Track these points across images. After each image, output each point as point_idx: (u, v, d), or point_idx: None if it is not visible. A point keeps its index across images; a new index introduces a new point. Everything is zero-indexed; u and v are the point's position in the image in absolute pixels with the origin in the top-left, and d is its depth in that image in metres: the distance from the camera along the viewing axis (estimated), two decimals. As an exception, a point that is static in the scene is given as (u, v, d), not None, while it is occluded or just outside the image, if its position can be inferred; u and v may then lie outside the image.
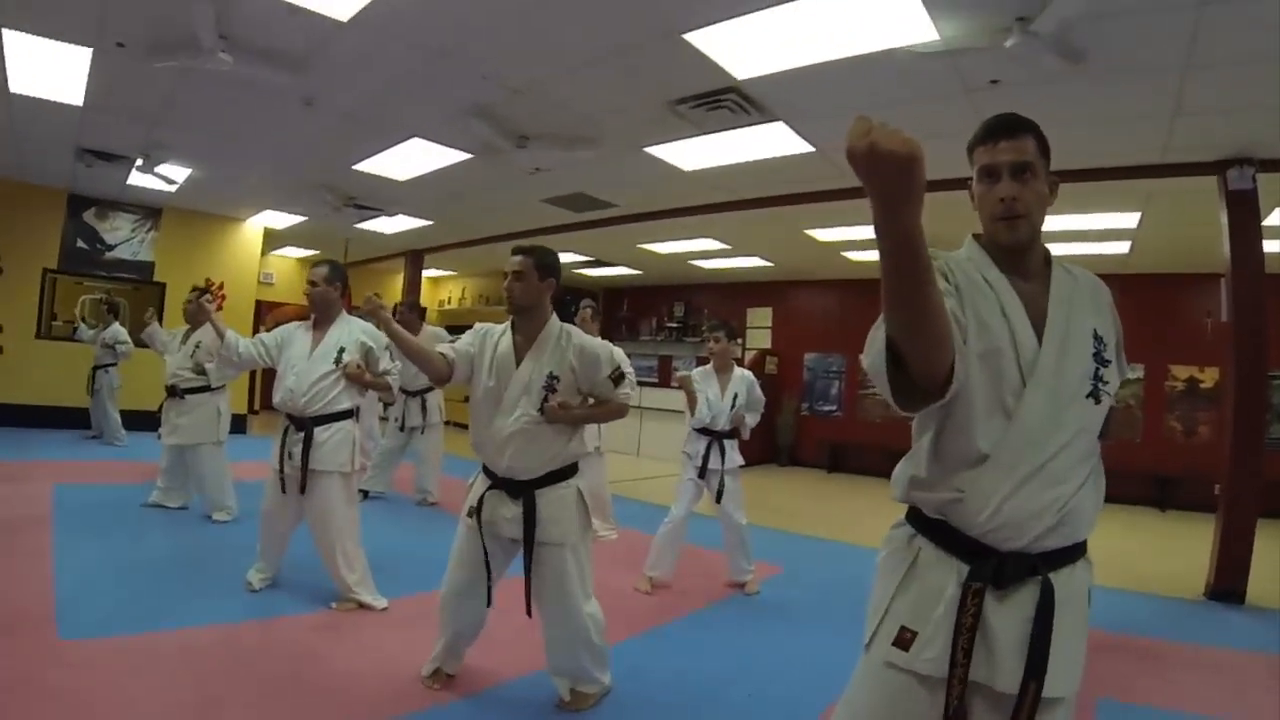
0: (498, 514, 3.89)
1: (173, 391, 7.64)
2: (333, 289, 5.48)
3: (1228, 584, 7.13)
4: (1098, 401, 2.03)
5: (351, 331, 5.45)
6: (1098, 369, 2.04)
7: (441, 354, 4.02)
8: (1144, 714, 4.53)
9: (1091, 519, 2.08)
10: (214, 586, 5.44)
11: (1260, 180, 7.29)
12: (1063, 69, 5.54)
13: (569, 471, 3.98)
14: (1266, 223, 7.91)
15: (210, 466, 7.55)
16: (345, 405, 5.36)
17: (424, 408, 9.17)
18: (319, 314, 5.51)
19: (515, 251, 4.09)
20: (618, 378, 4.05)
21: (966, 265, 2.12)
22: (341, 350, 5.34)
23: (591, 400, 4.09)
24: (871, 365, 1.81)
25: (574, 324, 4.91)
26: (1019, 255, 2.12)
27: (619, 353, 7.84)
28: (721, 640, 5.34)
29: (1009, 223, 2.07)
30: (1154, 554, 9.22)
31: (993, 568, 1.95)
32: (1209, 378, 12.91)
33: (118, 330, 11.45)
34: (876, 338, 1.78)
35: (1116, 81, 5.97)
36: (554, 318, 4.09)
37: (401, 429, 9.20)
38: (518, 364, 3.95)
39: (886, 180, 1.41)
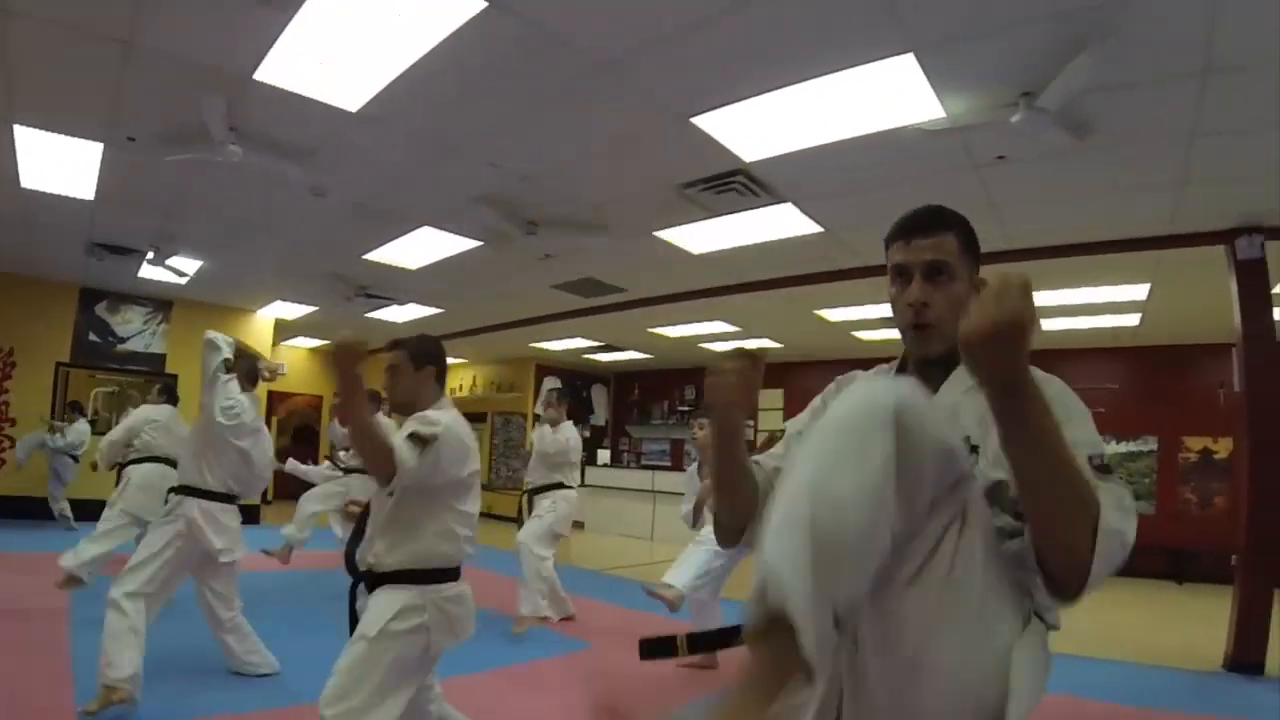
0: None
1: None
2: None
3: (1246, 655, 6.97)
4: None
5: None
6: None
7: None
8: None
9: None
10: (225, 675, 5.33)
11: (1270, 248, 7.28)
12: (1069, 142, 5.58)
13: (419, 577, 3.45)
14: (1277, 290, 7.90)
15: None
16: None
17: None
18: None
19: (389, 346, 3.81)
20: (413, 436, 3.36)
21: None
22: None
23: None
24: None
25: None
26: (930, 368, 1.91)
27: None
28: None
29: (917, 333, 1.89)
30: (1171, 627, 9.13)
31: None
32: (1223, 448, 12.74)
33: (81, 430, 11.54)
34: None
35: (1123, 153, 6.00)
36: (437, 405, 3.69)
37: None
38: None
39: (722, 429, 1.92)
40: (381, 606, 3.31)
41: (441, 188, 7.35)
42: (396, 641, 3.26)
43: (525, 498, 7.86)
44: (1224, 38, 4.43)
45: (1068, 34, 4.46)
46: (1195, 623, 9.11)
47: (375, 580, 3.42)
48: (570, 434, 7.88)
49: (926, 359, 1.90)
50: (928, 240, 1.87)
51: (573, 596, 8.16)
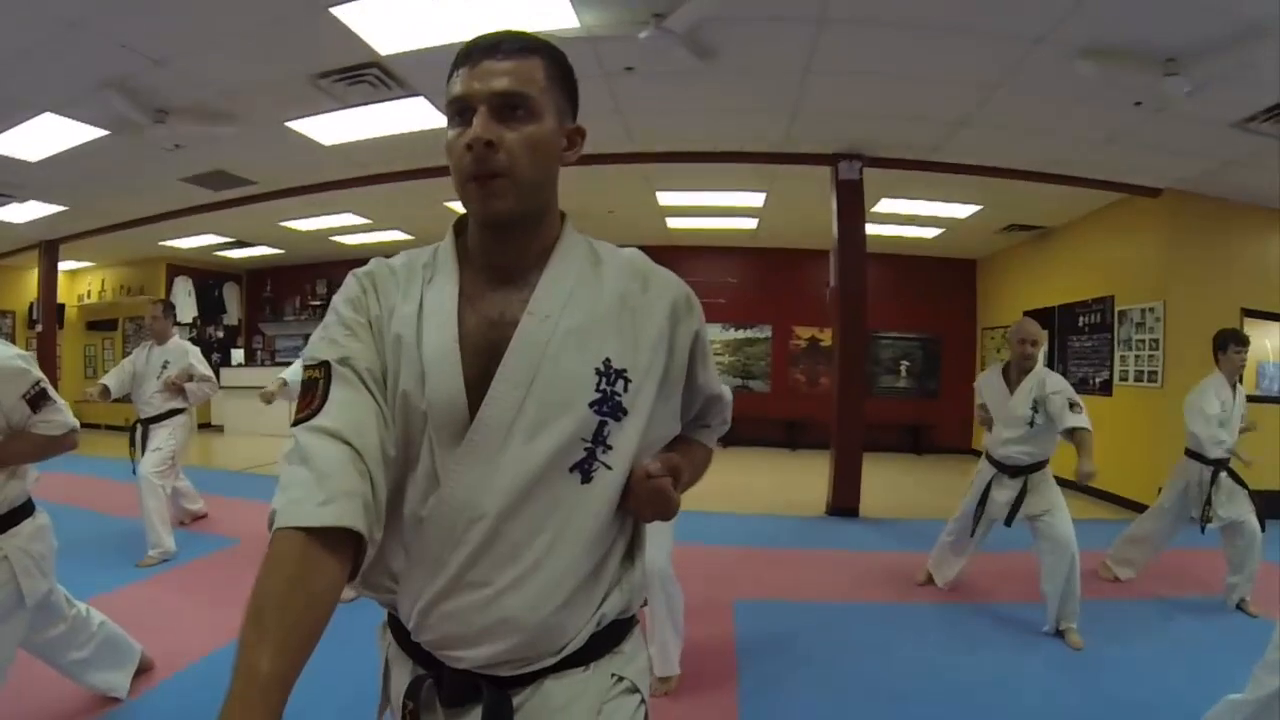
0: None
1: None
2: None
3: (843, 503, 8.89)
4: (587, 479, 1.37)
5: None
6: (601, 424, 1.36)
7: None
8: (775, 606, 5.66)
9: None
10: None
11: (866, 174, 8.76)
12: (693, 63, 6.11)
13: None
14: (873, 209, 9.88)
15: None
16: None
17: None
18: None
19: None
20: (35, 398, 3.04)
21: (399, 277, 1.49)
22: None
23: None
24: None
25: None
26: (506, 241, 1.44)
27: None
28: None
29: (481, 185, 1.34)
30: (785, 485, 11.11)
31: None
32: (828, 337, 14.70)
33: None
34: None
35: (742, 79, 6.71)
36: None
37: None
38: None
39: None
40: None
41: (66, 69, 6.60)
42: None
43: (139, 429, 6.97)
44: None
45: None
46: (805, 480, 10.92)
47: None
48: (182, 349, 7.06)
49: (495, 221, 1.39)
50: (503, 64, 1.36)
51: (216, 497, 8.24)
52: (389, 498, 1.33)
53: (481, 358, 1.35)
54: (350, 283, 1.48)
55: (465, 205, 1.40)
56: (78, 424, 3.23)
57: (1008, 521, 5.25)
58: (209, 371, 7.14)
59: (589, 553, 1.39)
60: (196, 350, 7.20)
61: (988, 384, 5.55)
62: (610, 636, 1.47)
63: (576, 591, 1.37)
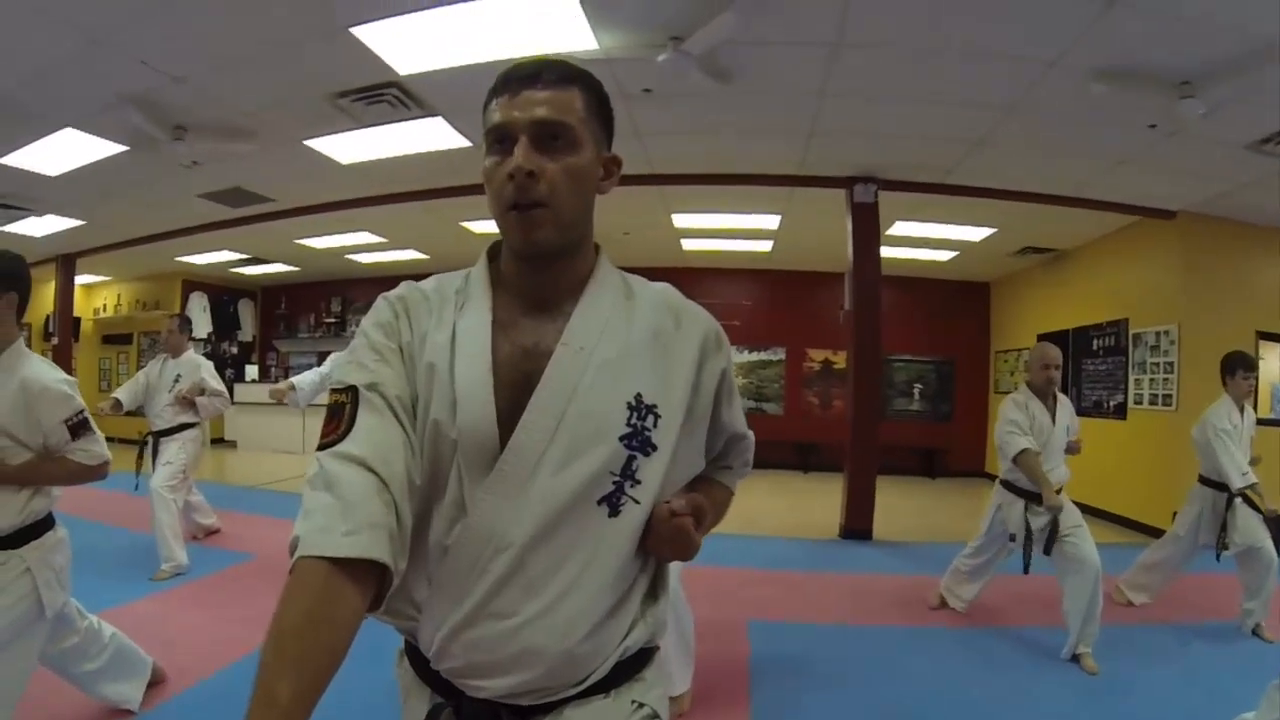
0: None
1: None
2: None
3: (857, 525, 8.94)
4: (614, 512, 1.38)
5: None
6: (631, 459, 1.37)
7: None
8: (789, 627, 5.63)
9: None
10: None
11: (881, 196, 8.76)
12: (710, 85, 6.15)
13: (15, 539, 3.03)
14: (887, 232, 9.81)
15: None
16: None
17: None
18: None
19: None
20: (77, 425, 3.06)
21: (431, 303, 1.49)
22: None
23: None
24: None
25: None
26: (543, 271, 1.44)
27: (210, 367, 7.18)
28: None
29: (522, 215, 1.34)
30: (798, 507, 11.05)
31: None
32: (841, 360, 14.69)
33: None
34: None
35: (759, 101, 6.76)
36: (15, 345, 3.03)
37: None
38: None
39: None
40: None
41: (87, 85, 6.62)
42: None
43: (150, 441, 7.02)
44: (856, 18, 5.27)
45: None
46: (818, 503, 10.99)
47: None
48: (194, 363, 7.12)
49: (534, 252, 1.39)
50: (541, 92, 1.35)
51: (229, 512, 8.29)
52: (414, 526, 1.32)
53: (514, 388, 1.35)
54: (381, 306, 1.48)
55: (504, 234, 1.41)
56: (111, 457, 3.29)
57: (1047, 550, 5.16)
58: (221, 386, 7.16)
59: (614, 587, 1.39)
60: (209, 364, 7.22)
61: (1038, 411, 5.43)
62: (633, 665, 1.48)
63: (600, 625, 1.38)
